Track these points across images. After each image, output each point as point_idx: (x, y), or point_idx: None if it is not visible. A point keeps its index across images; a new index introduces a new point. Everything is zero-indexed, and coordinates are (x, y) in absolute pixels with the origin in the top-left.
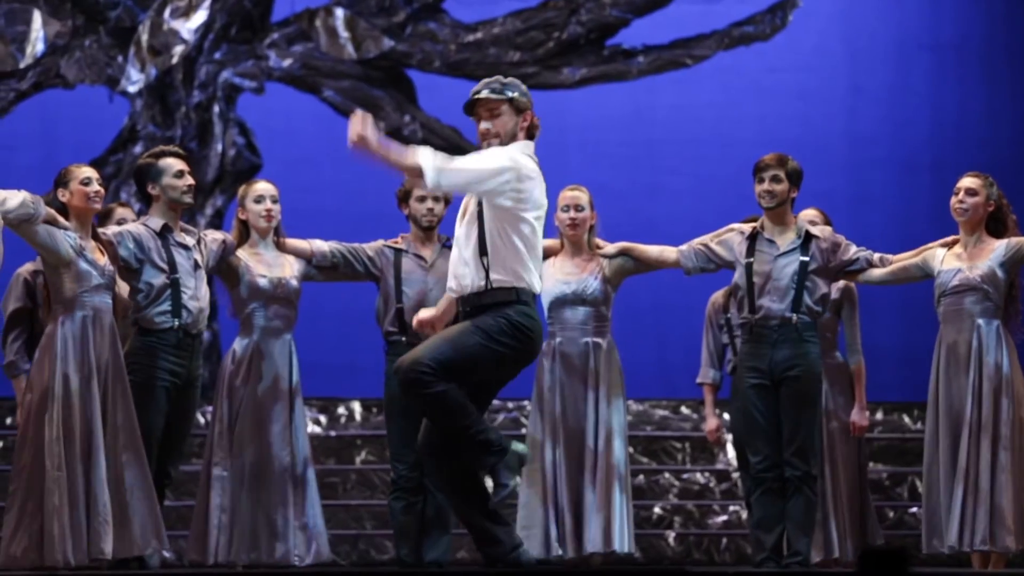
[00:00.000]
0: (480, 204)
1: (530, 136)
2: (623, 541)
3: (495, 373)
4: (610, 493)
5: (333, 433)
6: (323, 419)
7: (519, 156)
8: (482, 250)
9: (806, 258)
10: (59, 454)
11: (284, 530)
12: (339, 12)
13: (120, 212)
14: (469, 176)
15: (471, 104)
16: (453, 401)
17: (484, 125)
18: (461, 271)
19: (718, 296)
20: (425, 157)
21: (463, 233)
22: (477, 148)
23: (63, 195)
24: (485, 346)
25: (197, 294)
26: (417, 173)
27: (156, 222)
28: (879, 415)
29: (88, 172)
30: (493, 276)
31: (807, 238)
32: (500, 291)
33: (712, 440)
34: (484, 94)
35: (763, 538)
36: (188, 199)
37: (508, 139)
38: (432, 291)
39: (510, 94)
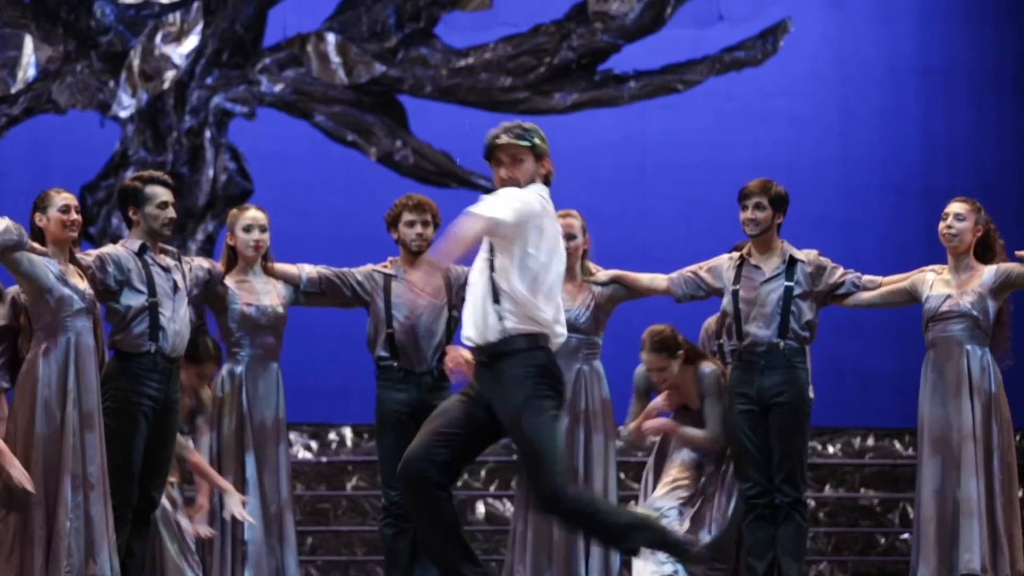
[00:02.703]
0: (491, 249)
1: (546, 182)
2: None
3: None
4: None
5: (324, 459)
6: (314, 445)
7: (531, 197)
8: (495, 297)
9: (791, 283)
10: (40, 485)
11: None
12: (330, 37)
13: None
14: (483, 223)
15: (491, 149)
16: (587, 503)
17: (504, 172)
18: (476, 319)
19: (711, 322)
20: (466, 222)
21: (475, 280)
22: (469, 174)
23: (40, 220)
24: (542, 415)
25: (176, 316)
26: (471, 234)
27: (135, 243)
28: (870, 441)
29: (67, 200)
30: (507, 324)
31: (791, 263)
32: (518, 338)
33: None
34: (506, 139)
35: (755, 565)
36: (167, 232)
37: (527, 185)
38: (422, 315)
39: (533, 141)
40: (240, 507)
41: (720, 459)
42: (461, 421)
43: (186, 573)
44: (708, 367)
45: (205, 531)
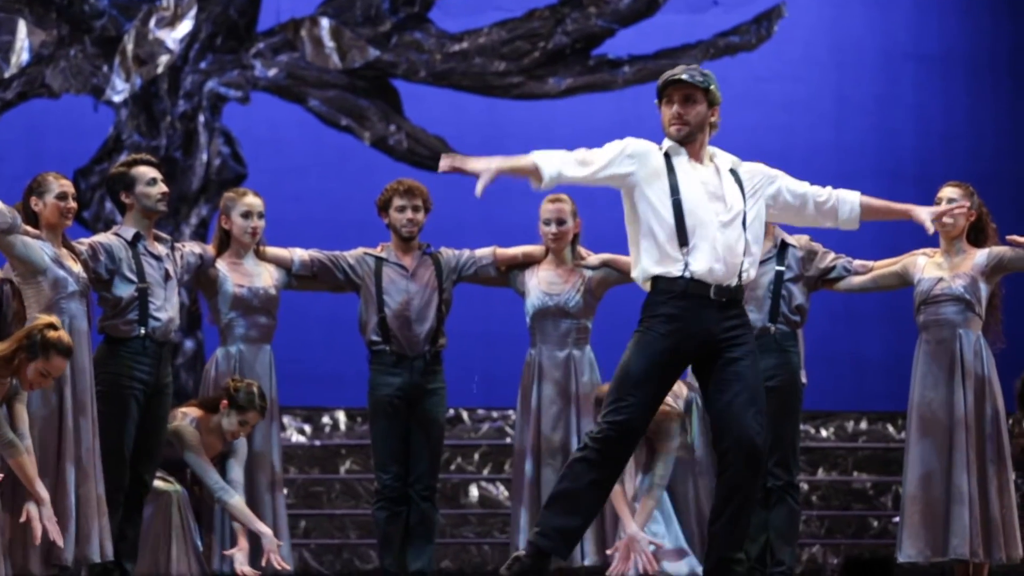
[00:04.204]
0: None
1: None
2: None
3: None
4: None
5: (317, 442)
6: (307, 428)
7: (635, 141)
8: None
9: (782, 267)
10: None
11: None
12: (324, 22)
13: None
14: (582, 170)
15: (665, 86)
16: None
17: (676, 108)
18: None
19: None
20: (545, 160)
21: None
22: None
23: (36, 204)
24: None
25: (166, 305)
26: (535, 176)
27: (128, 231)
28: (863, 424)
29: (65, 187)
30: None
31: (783, 247)
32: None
33: None
34: (684, 77)
35: (747, 547)
36: (162, 207)
37: (696, 130)
38: (414, 299)
39: (709, 86)
40: (277, 553)
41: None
42: None
43: (190, 557)
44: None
45: (249, 572)
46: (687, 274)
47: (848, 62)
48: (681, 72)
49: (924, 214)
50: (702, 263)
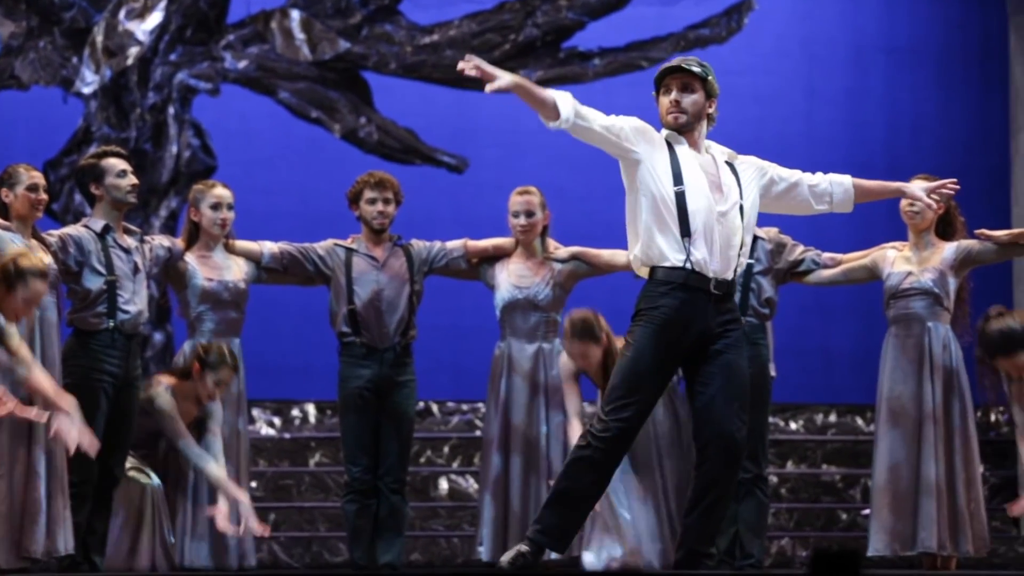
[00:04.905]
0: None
1: (710, 123)
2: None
3: None
4: None
5: (287, 435)
6: (277, 421)
7: (643, 122)
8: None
9: (751, 260)
10: (7, 456)
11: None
12: (295, 14)
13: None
14: (599, 120)
15: (664, 74)
16: None
17: (674, 95)
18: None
19: None
20: (564, 97)
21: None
22: (433, 151)
23: (6, 196)
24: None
25: (135, 298)
26: (552, 109)
27: (97, 223)
28: (832, 417)
29: (36, 179)
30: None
31: (752, 240)
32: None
33: None
34: (682, 66)
35: (716, 540)
36: (132, 198)
37: (694, 119)
38: (384, 290)
39: (707, 76)
40: (254, 518)
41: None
42: None
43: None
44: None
45: (230, 529)
46: (688, 265)
47: (818, 55)
48: (679, 61)
49: (919, 191)
50: (702, 254)
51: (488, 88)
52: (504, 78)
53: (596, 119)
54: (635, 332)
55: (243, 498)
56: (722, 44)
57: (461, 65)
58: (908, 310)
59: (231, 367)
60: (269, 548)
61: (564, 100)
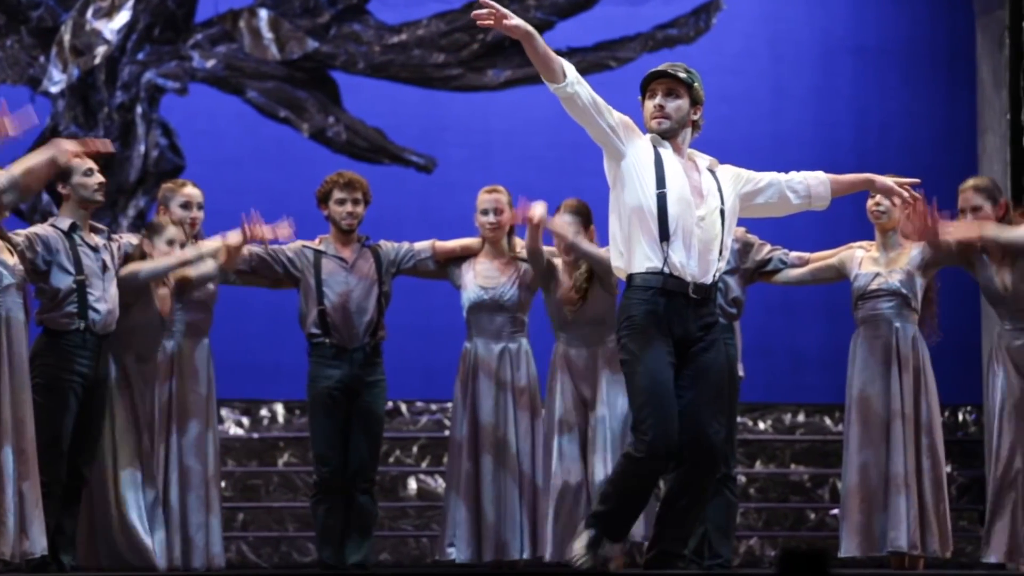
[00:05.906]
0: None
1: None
2: (548, 547)
3: None
4: (535, 499)
5: (255, 435)
6: (245, 421)
7: (637, 128)
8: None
9: None
10: None
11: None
12: (263, 13)
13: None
14: (596, 100)
15: (649, 80)
16: None
17: (659, 100)
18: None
19: None
20: (570, 64)
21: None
22: (401, 151)
23: None
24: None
25: (105, 296)
26: (557, 70)
27: (64, 222)
28: (800, 417)
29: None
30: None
31: None
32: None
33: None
34: (667, 71)
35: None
36: (99, 196)
37: (678, 125)
38: (353, 292)
39: (693, 82)
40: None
41: None
42: None
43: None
44: None
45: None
46: (666, 269)
47: (786, 55)
48: (666, 66)
49: (889, 180)
50: (680, 257)
51: (503, 24)
52: (518, 21)
53: (592, 98)
54: (627, 347)
55: (234, 235)
56: (690, 44)
57: (476, 12)
58: (876, 311)
59: (176, 221)
60: (238, 548)
61: (570, 65)
